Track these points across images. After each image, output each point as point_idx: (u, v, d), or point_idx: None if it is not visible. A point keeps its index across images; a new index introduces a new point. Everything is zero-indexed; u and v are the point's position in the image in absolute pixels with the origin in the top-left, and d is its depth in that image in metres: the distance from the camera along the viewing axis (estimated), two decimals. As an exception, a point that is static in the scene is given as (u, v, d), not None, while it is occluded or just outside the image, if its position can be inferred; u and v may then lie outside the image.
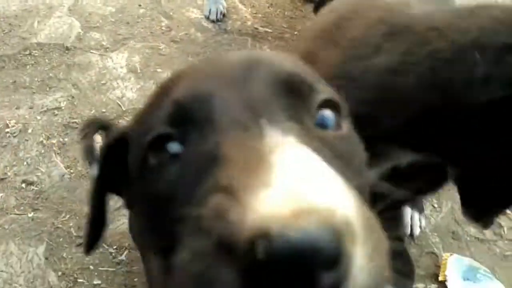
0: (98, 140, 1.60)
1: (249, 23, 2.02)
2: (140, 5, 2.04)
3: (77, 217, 1.43)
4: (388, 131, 0.80)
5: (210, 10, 2.00)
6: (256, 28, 2.00)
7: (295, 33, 2.00)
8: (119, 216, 1.43)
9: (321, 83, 0.49)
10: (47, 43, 1.86)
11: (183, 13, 2.02)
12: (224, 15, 2.02)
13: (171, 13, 2.01)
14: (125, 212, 1.44)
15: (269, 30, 2.00)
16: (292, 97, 0.44)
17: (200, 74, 0.49)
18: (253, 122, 0.39)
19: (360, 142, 0.51)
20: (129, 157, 0.52)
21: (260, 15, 2.05)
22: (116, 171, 0.55)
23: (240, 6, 2.08)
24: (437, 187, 1.03)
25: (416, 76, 0.79)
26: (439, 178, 0.94)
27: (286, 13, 2.08)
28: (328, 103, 0.47)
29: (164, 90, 0.51)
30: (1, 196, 1.46)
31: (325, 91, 0.48)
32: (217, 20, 2.00)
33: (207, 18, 2.01)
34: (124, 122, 1.65)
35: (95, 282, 1.30)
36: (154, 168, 0.45)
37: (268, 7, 2.10)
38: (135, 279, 1.33)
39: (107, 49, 1.87)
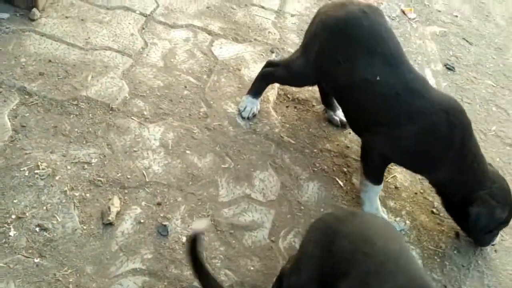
0: (116, 204, 1.72)
1: (276, 130, 2.20)
2: (185, 87, 2.22)
3: (78, 275, 1.50)
4: None
5: (245, 107, 2.18)
6: (282, 137, 2.17)
7: (314, 150, 2.18)
8: (116, 284, 1.51)
9: None
10: (94, 99, 2.02)
11: (221, 105, 2.20)
12: (254, 116, 2.21)
13: (211, 102, 2.20)
14: (122, 281, 1.51)
15: (293, 142, 2.17)
16: None
17: None
18: None
19: None
20: None
21: (287, 125, 2.24)
22: None
23: (272, 112, 2.27)
24: None
25: None
26: None
27: (310, 129, 2.27)
28: None
29: None
30: (14, 234, 1.54)
31: None
32: (248, 118, 2.18)
33: (240, 113, 2.19)
34: (143, 193, 1.77)
35: None
36: None
37: (296, 119, 2.29)
38: None
39: (147, 119, 2.02)
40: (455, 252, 1.93)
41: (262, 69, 2.19)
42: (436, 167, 1.81)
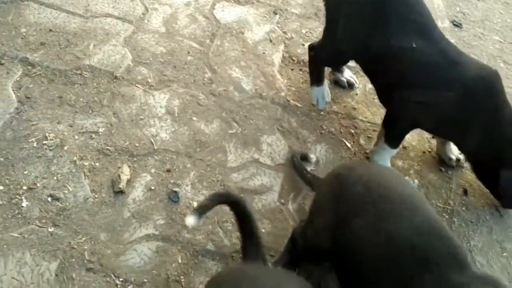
0: (126, 172, 1.72)
1: (282, 93, 2.18)
2: (189, 52, 2.19)
3: (92, 242, 1.53)
4: None
5: (317, 99, 2.15)
6: (288, 101, 2.16)
7: (321, 113, 2.16)
8: (130, 250, 1.53)
9: None
10: (98, 68, 1.99)
11: (226, 70, 2.18)
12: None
13: (215, 67, 2.17)
14: (136, 247, 1.54)
15: (299, 105, 2.16)
16: None
17: None
18: None
19: None
20: None
21: (293, 89, 2.21)
22: None
23: (278, 76, 2.24)
24: None
25: None
26: None
27: (316, 92, 2.25)
28: None
29: None
30: (27, 205, 1.55)
31: None
32: (324, 109, 2.15)
33: (315, 106, 2.15)
34: (152, 160, 1.77)
35: (99, 311, 1.39)
36: None
37: (302, 82, 2.26)
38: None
39: (151, 87, 2.01)
40: (463, 208, 1.95)
41: (308, 55, 2.12)
42: (470, 133, 1.79)
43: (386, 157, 1.95)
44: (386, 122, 1.94)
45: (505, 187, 1.82)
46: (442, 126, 1.85)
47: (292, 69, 2.30)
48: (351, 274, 1.33)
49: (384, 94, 1.96)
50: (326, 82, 2.17)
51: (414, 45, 1.76)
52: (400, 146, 2.08)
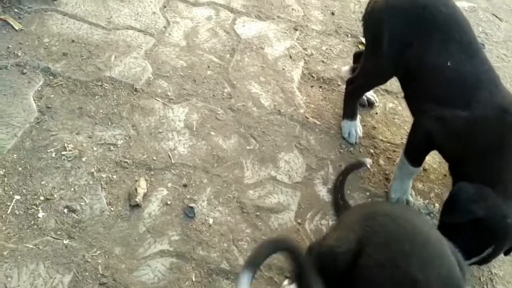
0: (143, 185, 1.71)
1: (301, 110, 2.16)
2: (209, 67, 2.19)
3: (107, 256, 1.51)
4: None
5: (349, 133, 2.12)
6: (307, 118, 2.13)
7: (340, 131, 2.13)
8: (144, 266, 1.51)
9: None
10: (118, 80, 2.00)
11: (245, 85, 2.17)
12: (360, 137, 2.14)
13: (234, 82, 2.16)
14: (150, 263, 1.52)
15: (318, 122, 2.13)
16: None
17: None
18: None
19: None
20: None
21: (312, 106, 2.19)
22: None
23: (297, 92, 2.23)
24: None
25: None
26: None
27: (336, 110, 2.22)
28: None
29: None
30: (43, 216, 1.55)
31: None
32: (356, 143, 2.11)
33: (346, 140, 2.10)
34: (169, 174, 1.76)
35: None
36: None
37: (322, 100, 2.24)
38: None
39: (171, 100, 2.00)
40: (485, 235, 1.89)
41: (345, 89, 2.10)
42: (470, 160, 1.67)
43: (406, 174, 1.88)
44: (409, 133, 1.88)
45: (452, 197, 1.64)
46: (450, 143, 1.73)
47: (311, 86, 2.28)
48: None
49: (411, 104, 1.92)
50: (358, 117, 2.14)
51: (448, 64, 1.72)
52: (421, 168, 2.04)
